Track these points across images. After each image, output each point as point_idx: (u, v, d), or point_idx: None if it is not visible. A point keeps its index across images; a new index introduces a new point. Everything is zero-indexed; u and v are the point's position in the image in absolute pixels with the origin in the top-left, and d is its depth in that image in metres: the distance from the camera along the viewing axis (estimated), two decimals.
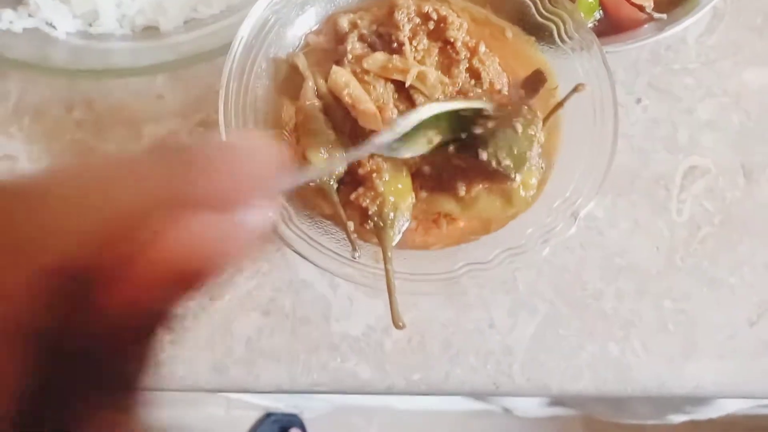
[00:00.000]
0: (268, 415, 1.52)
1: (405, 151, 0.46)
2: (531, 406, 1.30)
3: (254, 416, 1.54)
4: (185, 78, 0.62)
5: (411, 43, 0.53)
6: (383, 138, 0.43)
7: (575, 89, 0.48)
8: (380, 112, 0.50)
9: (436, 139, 0.47)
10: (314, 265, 0.47)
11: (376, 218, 0.49)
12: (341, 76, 0.49)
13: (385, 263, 0.47)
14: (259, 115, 0.53)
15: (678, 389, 0.57)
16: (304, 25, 0.55)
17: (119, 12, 0.60)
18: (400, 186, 0.49)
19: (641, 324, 0.58)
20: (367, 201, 0.49)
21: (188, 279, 0.21)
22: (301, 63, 0.51)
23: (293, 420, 1.51)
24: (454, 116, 0.47)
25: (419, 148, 0.46)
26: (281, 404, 1.41)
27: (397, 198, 0.49)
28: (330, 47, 0.55)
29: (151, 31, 0.61)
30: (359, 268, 0.48)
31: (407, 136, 0.45)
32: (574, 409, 1.32)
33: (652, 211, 0.60)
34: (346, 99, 0.50)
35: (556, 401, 1.24)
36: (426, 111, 0.45)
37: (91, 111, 0.62)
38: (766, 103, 0.63)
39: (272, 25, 0.54)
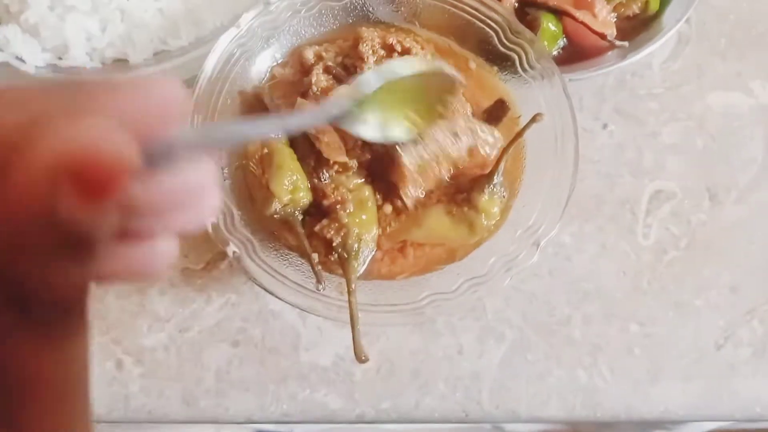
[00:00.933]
0: None
1: (390, 134, 0.40)
2: (521, 423, 1.30)
3: None
4: None
5: None
6: (345, 102, 0.35)
7: (533, 119, 0.49)
8: (345, 144, 0.51)
9: (420, 123, 0.43)
10: (278, 298, 0.48)
11: (340, 249, 0.49)
12: (306, 107, 0.50)
13: (349, 296, 0.47)
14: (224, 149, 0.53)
15: (646, 414, 0.57)
16: (269, 57, 0.56)
17: (89, 45, 0.60)
18: (364, 217, 0.50)
19: (608, 348, 0.58)
20: (332, 232, 0.49)
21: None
22: (266, 95, 0.52)
23: None
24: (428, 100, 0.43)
25: (402, 132, 0.41)
26: (269, 425, 1.40)
27: (362, 229, 0.50)
28: (296, 79, 0.55)
29: (120, 63, 0.61)
30: (324, 301, 0.49)
31: (387, 118, 0.39)
32: (563, 425, 1.32)
33: (619, 235, 0.61)
34: (311, 131, 0.51)
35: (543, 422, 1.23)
36: (386, 68, 0.38)
37: None
38: (730, 126, 0.64)
39: (237, 59, 0.55)
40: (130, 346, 0.57)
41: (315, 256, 0.48)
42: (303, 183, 0.49)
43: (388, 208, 0.52)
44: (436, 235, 0.50)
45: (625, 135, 0.63)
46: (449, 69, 0.44)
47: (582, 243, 0.60)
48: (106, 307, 0.57)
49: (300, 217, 0.49)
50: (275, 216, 0.48)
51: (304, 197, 0.49)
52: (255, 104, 0.53)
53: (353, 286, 0.48)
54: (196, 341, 0.57)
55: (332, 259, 0.50)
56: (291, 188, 0.48)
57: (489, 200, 0.50)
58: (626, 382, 0.57)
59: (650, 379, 0.58)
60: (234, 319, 0.57)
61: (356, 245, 0.49)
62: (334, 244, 0.49)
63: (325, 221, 0.49)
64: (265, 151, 0.49)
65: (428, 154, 0.51)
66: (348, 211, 0.49)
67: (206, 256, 0.59)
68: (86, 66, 0.60)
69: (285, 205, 0.48)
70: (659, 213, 0.61)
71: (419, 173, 0.50)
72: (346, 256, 0.49)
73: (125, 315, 0.57)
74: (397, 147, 0.49)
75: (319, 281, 0.47)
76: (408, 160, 0.50)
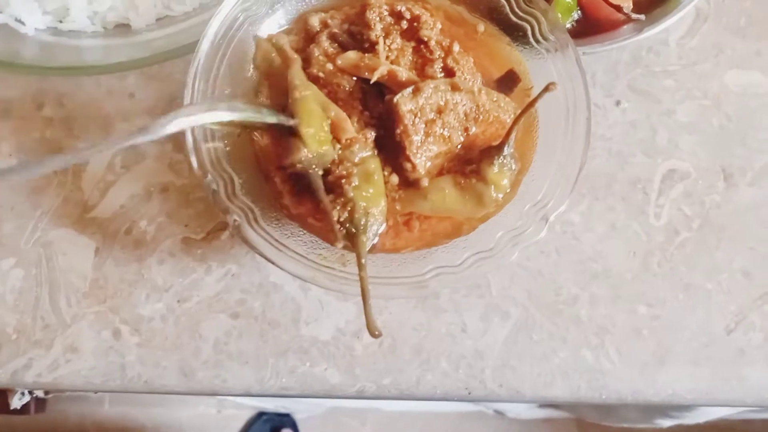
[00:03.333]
0: (260, 414, 1.52)
1: None
2: (523, 409, 1.30)
3: (246, 416, 1.54)
4: (157, 76, 0.61)
5: (384, 43, 0.52)
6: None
7: (546, 89, 0.47)
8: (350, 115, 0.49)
9: None
10: (280, 268, 0.47)
11: (348, 224, 0.47)
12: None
13: (360, 270, 0.45)
14: None
15: (653, 397, 0.56)
16: (274, 24, 0.54)
17: (90, 9, 0.59)
18: (371, 191, 0.48)
19: (615, 330, 0.57)
20: (338, 208, 0.47)
21: None
22: (286, 44, 0.50)
23: (285, 420, 1.51)
24: None
25: None
26: (270, 405, 1.40)
27: (369, 203, 0.48)
28: (300, 47, 0.54)
29: (122, 28, 0.60)
30: (327, 272, 0.47)
31: None
32: (566, 411, 1.31)
33: (629, 215, 0.59)
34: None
35: (548, 403, 1.23)
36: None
37: (62, 108, 0.61)
38: (747, 106, 0.62)
39: (241, 24, 0.53)
40: (127, 315, 0.56)
41: (335, 213, 0.46)
42: (327, 138, 0.47)
43: (395, 179, 0.50)
44: (443, 207, 0.49)
45: (638, 112, 0.62)
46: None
47: (591, 222, 0.59)
48: (104, 276, 0.56)
49: (320, 172, 0.47)
50: (297, 166, 0.46)
51: (328, 154, 0.47)
52: (269, 55, 0.51)
53: (363, 260, 0.46)
54: (195, 312, 0.56)
55: (339, 234, 0.48)
56: (318, 139, 0.46)
57: (499, 172, 0.48)
58: (633, 365, 0.56)
59: (658, 362, 0.56)
60: (234, 290, 0.56)
61: (364, 219, 0.47)
62: (341, 219, 0.47)
63: (330, 196, 0.48)
64: (297, 95, 0.47)
65: (430, 107, 0.49)
66: (353, 185, 0.48)
67: (207, 226, 0.58)
68: (87, 30, 0.59)
69: (311, 157, 0.46)
70: (672, 193, 0.60)
71: (426, 129, 0.48)
72: (355, 230, 0.47)
73: (123, 284, 0.56)
74: (396, 98, 0.47)
75: (338, 239, 0.45)
76: (408, 108, 0.48)
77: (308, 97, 0.47)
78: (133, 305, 0.56)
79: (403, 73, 0.50)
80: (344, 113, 0.48)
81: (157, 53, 0.55)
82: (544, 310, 0.57)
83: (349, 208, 0.47)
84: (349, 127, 0.48)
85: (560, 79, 0.52)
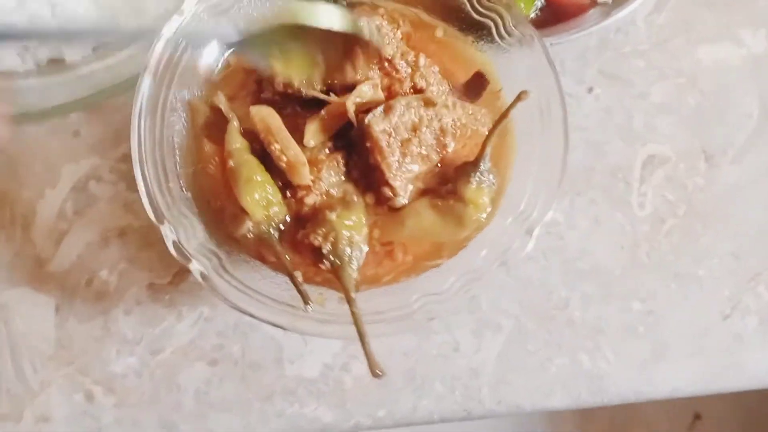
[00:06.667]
0: None
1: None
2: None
3: None
4: (102, 110, 0.56)
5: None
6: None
7: (518, 98, 0.44)
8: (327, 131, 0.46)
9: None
10: (255, 318, 0.43)
11: (332, 257, 0.44)
12: (262, 116, 0.44)
13: (351, 306, 0.42)
14: (180, 151, 0.48)
15: (654, 395, 0.55)
16: (215, 47, 0.50)
17: (20, 46, 0.54)
18: (354, 219, 0.45)
19: (609, 330, 0.55)
20: (319, 239, 0.44)
21: None
22: (223, 104, 0.46)
23: None
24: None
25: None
26: None
27: (352, 231, 0.44)
28: (252, 68, 0.50)
29: (57, 63, 0.55)
30: (307, 316, 0.44)
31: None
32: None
33: (613, 206, 0.57)
34: (272, 149, 0.44)
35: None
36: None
37: (2, 154, 0.56)
38: (723, 81, 0.60)
39: (185, 49, 0.49)
40: (98, 374, 0.52)
41: (298, 274, 0.42)
42: (276, 196, 0.43)
43: (370, 199, 0.47)
44: (421, 232, 0.45)
45: (612, 98, 0.59)
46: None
47: (574, 219, 0.57)
48: (68, 335, 0.53)
49: (276, 235, 0.44)
50: (248, 236, 0.43)
51: (279, 212, 0.43)
52: (210, 112, 0.47)
53: (353, 294, 0.43)
54: (170, 363, 0.52)
55: (323, 268, 0.44)
56: (264, 203, 0.42)
57: (477, 189, 0.45)
58: (631, 364, 0.55)
59: (656, 359, 0.55)
60: (209, 335, 0.53)
61: (348, 249, 0.44)
62: (324, 252, 0.44)
63: (309, 226, 0.44)
64: (231, 164, 0.43)
65: (404, 125, 0.45)
66: (335, 212, 0.44)
67: (173, 268, 0.54)
68: (18, 69, 0.54)
69: (259, 223, 0.43)
70: (653, 180, 0.58)
71: (401, 149, 0.45)
72: (339, 263, 0.44)
73: (90, 341, 0.53)
74: (367, 119, 0.44)
75: (306, 302, 0.42)
76: (381, 128, 0.45)
77: (245, 162, 0.43)
78: (104, 363, 0.52)
79: (366, 91, 0.47)
80: (302, 155, 0.44)
81: (99, 91, 0.51)
82: (537, 317, 0.55)
83: (332, 238, 0.44)
84: (305, 173, 0.44)
85: (530, 76, 0.49)
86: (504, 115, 0.44)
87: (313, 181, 0.44)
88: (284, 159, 0.43)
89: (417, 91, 0.47)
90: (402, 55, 0.48)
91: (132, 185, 0.55)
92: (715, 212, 0.57)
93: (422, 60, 0.48)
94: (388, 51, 0.48)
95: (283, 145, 0.43)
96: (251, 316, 0.43)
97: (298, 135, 0.45)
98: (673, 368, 0.55)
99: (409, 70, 0.48)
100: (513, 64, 0.50)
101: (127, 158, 0.55)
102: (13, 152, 0.56)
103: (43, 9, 0.54)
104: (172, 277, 0.54)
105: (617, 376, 0.54)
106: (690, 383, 0.55)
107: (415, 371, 0.53)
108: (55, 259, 0.54)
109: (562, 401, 0.54)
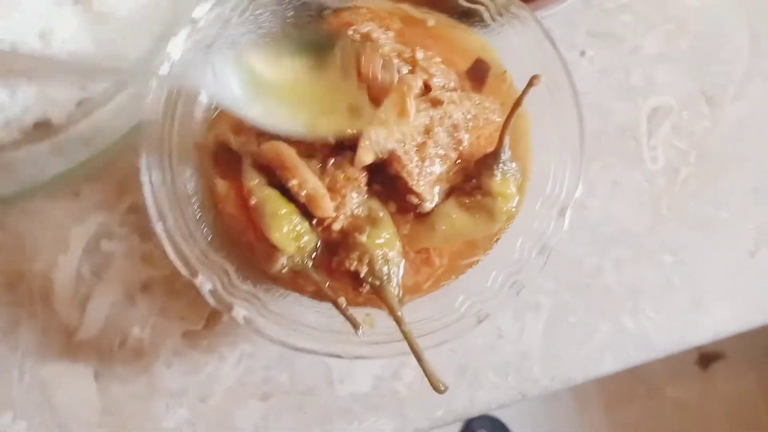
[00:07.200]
0: None
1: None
2: None
3: None
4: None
5: None
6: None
7: (530, 84, 0.43)
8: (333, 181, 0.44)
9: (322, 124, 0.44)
10: (307, 352, 0.43)
11: (370, 279, 0.43)
12: (275, 153, 0.43)
13: (400, 325, 0.41)
14: (196, 196, 0.47)
15: (698, 341, 0.55)
16: None
17: (2, 116, 0.51)
18: (385, 235, 0.44)
19: (646, 288, 0.55)
20: (354, 263, 0.43)
21: None
22: (232, 140, 0.45)
23: None
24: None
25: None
26: None
27: (386, 248, 0.44)
28: None
29: (43, 127, 0.53)
30: (357, 341, 0.43)
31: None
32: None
33: (627, 166, 0.57)
34: (290, 185, 0.43)
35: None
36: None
37: (3, 232, 0.54)
38: (713, 20, 0.59)
39: (179, 93, 0.47)
40: None
41: (342, 301, 0.42)
42: (304, 225, 0.42)
43: (392, 207, 0.46)
44: (454, 234, 0.45)
45: (605, 58, 0.59)
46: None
47: (592, 186, 0.56)
48: (113, 400, 0.52)
49: (310, 264, 0.43)
50: (283, 271, 0.42)
51: (310, 240, 0.42)
52: (219, 149, 0.46)
53: (399, 313, 0.42)
54: (223, 406, 0.52)
55: (362, 291, 0.44)
56: (294, 235, 0.42)
57: (502, 181, 0.44)
58: (673, 317, 0.55)
59: (695, 307, 0.55)
60: (255, 370, 0.52)
61: (386, 268, 0.43)
62: (361, 275, 0.43)
63: (341, 252, 0.43)
64: (253, 201, 0.42)
65: (416, 129, 0.45)
66: (366, 233, 0.43)
67: (204, 312, 0.53)
68: (4, 141, 0.52)
69: (292, 257, 0.42)
70: (661, 132, 0.58)
71: (419, 154, 0.44)
72: (379, 283, 0.43)
73: (136, 402, 0.52)
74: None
75: (356, 327, 0.41)
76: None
77: (266, 197, 0.42)
78: (155, 420, 0.51)
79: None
80: (322, 187, 0.42)
81: (97, 154, 0.49)
82: (573, 289, 0.55)
83: (368, 260, 0.43)
84: (328, 206, 0.43)
85: (530, 51, 0.49)
86: (518, 102, 0.43)
87: (337, 208, 0.43)
88: (303, 194, 0.41)
89: (427, 88, 0.46)
90: (399, 53, 0.47)
91: (145, 236, 0.54)
92: (726, 152, 0.58)
93: (419, 54, 0.47)
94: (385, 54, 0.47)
95: (301, 180, 0.42)
96: (305, 351, 0.43)
97: (314, 160, 0.44)
98: (712, 313, 0.55)
99: (410, 68, 0.47)
100: (510, 44, 0.49)
101: (134, 209, 0.54)
102: (15, 228, 0.54)
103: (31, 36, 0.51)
104: (205, 321, 0.53)
105: (661, 330, 0.55)
106: (730, 323, 0.56)
107: (465, 366, 0.53)
108: (84, 326, 0.53)
109: (613, 365, 0.54)
